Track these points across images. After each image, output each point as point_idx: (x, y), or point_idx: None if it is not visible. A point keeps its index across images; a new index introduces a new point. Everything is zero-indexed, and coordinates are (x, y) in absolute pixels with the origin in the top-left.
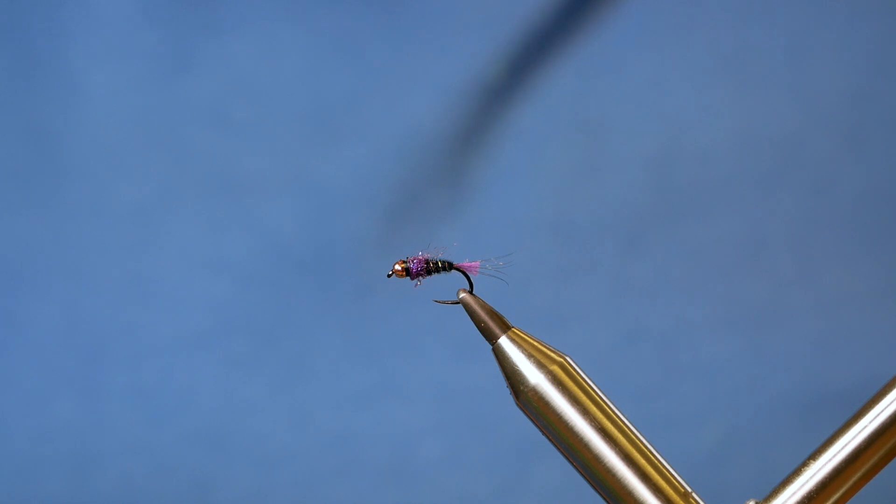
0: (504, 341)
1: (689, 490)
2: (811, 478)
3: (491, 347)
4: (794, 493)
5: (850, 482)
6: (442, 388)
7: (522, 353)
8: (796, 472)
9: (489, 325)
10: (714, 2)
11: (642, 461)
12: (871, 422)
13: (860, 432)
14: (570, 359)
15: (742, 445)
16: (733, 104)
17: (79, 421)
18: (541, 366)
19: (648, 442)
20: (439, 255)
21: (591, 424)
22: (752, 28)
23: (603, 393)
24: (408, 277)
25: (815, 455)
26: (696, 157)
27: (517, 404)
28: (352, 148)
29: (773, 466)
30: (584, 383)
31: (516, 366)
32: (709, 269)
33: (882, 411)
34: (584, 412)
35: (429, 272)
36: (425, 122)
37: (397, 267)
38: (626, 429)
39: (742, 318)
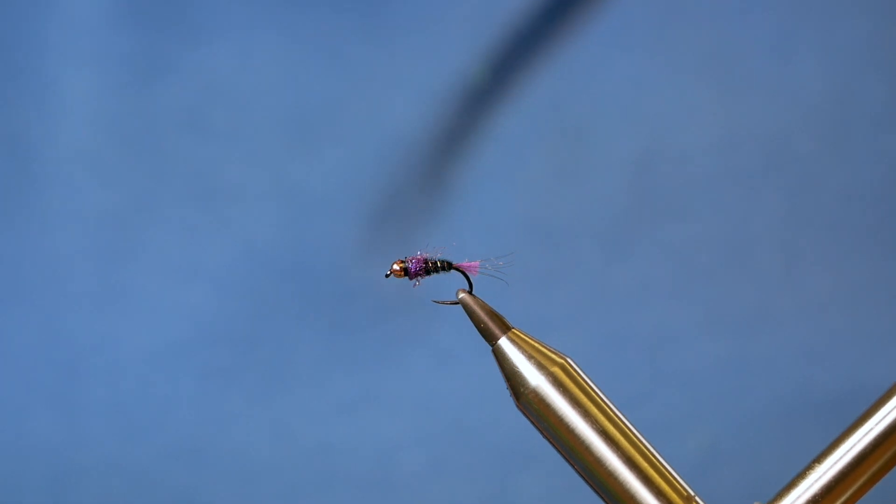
0: (504, 342)
1: (692, 493)
2: (816, 481)
3: (491, 349)
4: (799, 497)
5: (856, 485)
6: (425, 398)
7: (523, 354)
8: (801, 476)
9: (489, 326)
10: (695, 1)
11: (644, 464)
12: (876, 424)
13: (865, 435)
14: (572, 360)
15: (728, 453)
16: (716, 104)
17: (55, 436)
18: (541, 367)
19: (651, 444)
20: (438, 255)
21: (592, 427)
22: (734, 27)
23: (605, 395)
24: (406, 277)
25: (820, 458)
26: (679, 158)
27: (517, 406)
28: (332, 153)
29: (759, 475)
30: (585, 385)
31: (516, 367)
32: (693, 273)
33: (888, 414)
34: (586, 414)
35: (428, 272)
36: (406, 126)
37: (396, 267)
38: (628, 431)
39: (727, 322)
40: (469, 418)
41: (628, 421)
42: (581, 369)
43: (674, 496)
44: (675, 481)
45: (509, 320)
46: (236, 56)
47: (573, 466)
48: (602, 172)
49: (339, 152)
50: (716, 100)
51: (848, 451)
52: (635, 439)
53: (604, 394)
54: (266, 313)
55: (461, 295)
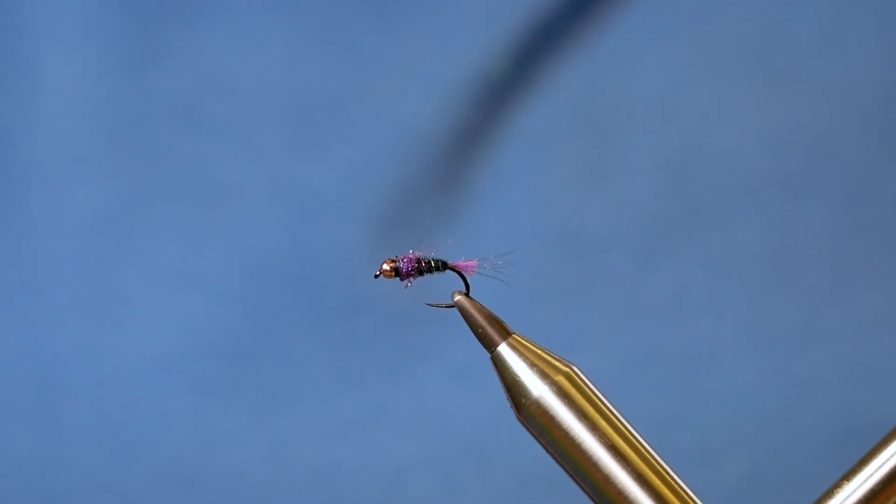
0: (504, 349)
1: None
2: (845, 499)
3: (490, 356)
4: None
5: None
6: (439, 418)
7: (524, 361)
8: (829, 494)
9: (487, 331)
10: None
11: (657, 482)
12: None
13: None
14: (577, 368)
15: (769, 482)
16: (759, 102)
17: (35, 457)
18: (545, 376)
19: (664, 461)
20: (432, 254)
21: (600, 441)
22: (779, 18)
23: (614, 406)
24: (397, 278)
25: (848, 475)
26: (718, 160)
27: (518, 419)
28: (340, 150)
29: None
30: (592, 395)
31: (517, 376)
32: (732, 286)
33: None
34: (593, 427)
35: (420, 272)
36: (421, 122)
37: (385, 266)
38: (639, 446)
39: (769, 339)
40: (488, 440)
41: (640, 435)
42: (588, 378)
43: None
44: (691, 501)
45: (523, 332)
46: (236, 42)
47: (579, 485)
48: (634, 175)
49: (348, 150)
50: (759, 97)
51: (879, 468)
52: (647, 455)
53: (613, 405)
54: (267, 324)
55: (457, 297)
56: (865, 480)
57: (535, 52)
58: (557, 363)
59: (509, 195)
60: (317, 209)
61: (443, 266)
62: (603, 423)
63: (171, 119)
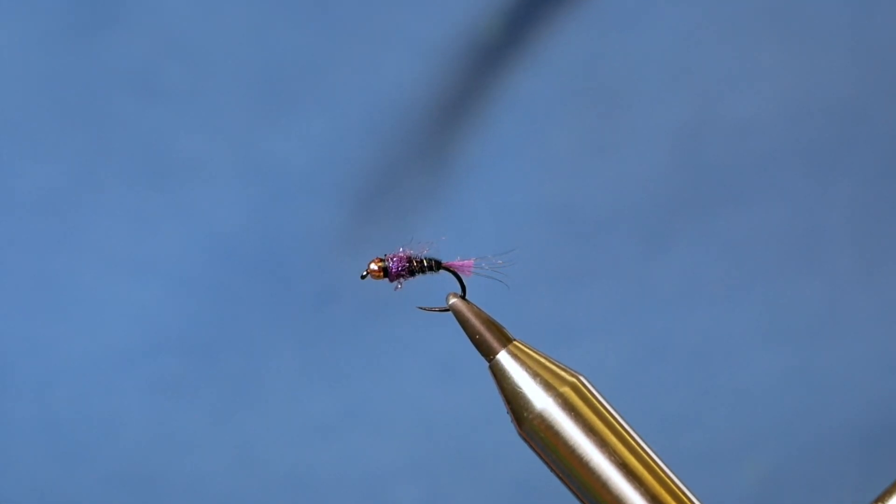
0: (504, 357)
1: None
2: None
3: (488, 364)
4: None
5: None
6: (423, 418)
7: (526, 371)
8: None
9: (485, 338)
10: None
11: None
12: None
13: None
14: (585, 378)
15: (790, 487)
16: (780, 64)
17: None
18: (549, 387)
19: (680, 480)
20: (424, 252)
21: (610, 459)
22: None
23: (625, 420)
24: (386, 279)
25: (883, 497)
26: (736, 130)
27: (519, 434)
28: (311, 122)
29: None
30: (601, 408)
31: (519, 387)
32: (750, 270)
33: None
34: (602, 443)
35: (412, 272)
36: (402, 90)
37: (374, 266)
38: (652, 464)
39: (791, 329)
40: (478, 443)
41: (654, 452)
42: (596, 389)
43: None
44: None
45: (517, 331)
46: (195, 3)
47: None
48: (641, 147)
49: (320, 121)
50: (780, 58)
51: None
52: (661, 474)
53: (624, 419)
54: (231, 314)
55: (452, 300)
56: None
57: (528, 9)
58: (563, 373)
59: (501, 171)
60: (286, 187)
61: (436, 265)
62: (613, 439)
63: (123, 88)
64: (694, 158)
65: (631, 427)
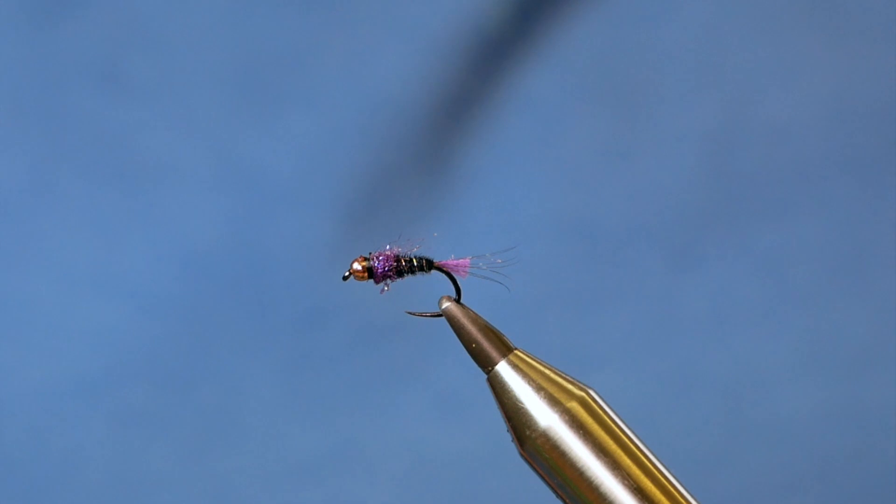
0: (504, 368)
1: None
2: None
3: (486, 377)
4: None
5: None
6: (420, 456)
7: (529, 384)
8: None
9: (483, 346)
10: None
11: None
12: None
13: None
14: (595, 392)
15: None
16: (822, 61)
17: None
18: (555, 402)
19: None
20: (414, 250)
21: (623, 483)
22: None
23: (641, 439)
24: (371, 280)
25: None
26: (771, 134)
27: (521, 454)
28: (297, 122)
29: None
30: (613, 426)
31: (521, 402)
32: (788, 291)
33: None
34: (615, 465)
35: (400, 273)
36: (398, 87)
37: (357, 266)
38: (671, 490)
39: (835, 359)
40: (478, 483)
41: (672, 475)
42: (608, 404)
43: None
44: None
45: (528, 348)
46: None
47: None
48: (666, 153)
49: (308, 121)
50: (821, 54)
51: None
52: (681, 500)
53: (639, 438)
54: (205, 340)
55: (445, 304)
56: None
57: None
58: (570, 386)
59: (508, 179)
60: (268, 195)
61: (428, 265)
62: (627, 461)
63: (85, 82)
64: (725, 165)
65: (647, 447)
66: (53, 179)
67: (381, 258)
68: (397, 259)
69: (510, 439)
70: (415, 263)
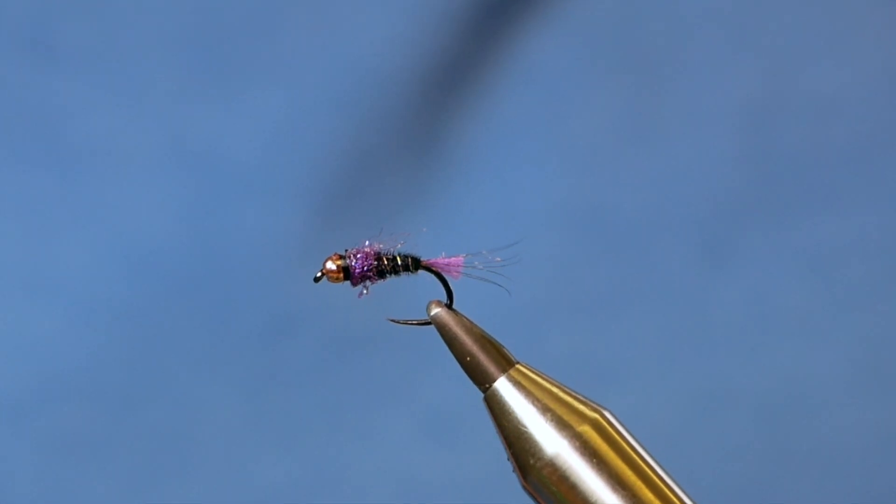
0: (504, 385)
1: None
2: None
3: (482, 395)
4: None
5: None
6: (400, 487)
7: (534, 404)
8: None
9: (479, 360)
10: None
11: None
12: None
13: None
14: (610, 414)
15: None
16: (876, 24)
17: None
18: (564, 425)
19: None
20: (398, 247)
21: None
22: None
23: (663, 468)
24: (348, 282)
25: None
26: (818, 109)
27: (524, 487)
28: (262, 98)
29: None
30: (631, 453)
31: (524, 426)
32: (838, 293)
33: None
34: (634, 499)
35: (381, 273)
36: (382, 55)
37: (331, 265)
38: None
39: (887, 373)
40: None
41: None
42: (625, 427)
43: None
44: None
45: (534, 364)
46: None
47: None
48: (695, 132)
49: (274, 97)
50: (871, 22)
51: None
52: None
53: (662, 466)
54: (155, 351)
55: (435, 310)
56: None
57: None
58: (582, 407)
59: (510, 161)
60: (228, 183)
61: (414, 264)
62: (648, 495)
63: (11, 54)
64: (765, 146)
65: (671, 478)
66: None
67: (359, 256)
68: (378, 257)
69: (511, 469)
70: (399, 262)
